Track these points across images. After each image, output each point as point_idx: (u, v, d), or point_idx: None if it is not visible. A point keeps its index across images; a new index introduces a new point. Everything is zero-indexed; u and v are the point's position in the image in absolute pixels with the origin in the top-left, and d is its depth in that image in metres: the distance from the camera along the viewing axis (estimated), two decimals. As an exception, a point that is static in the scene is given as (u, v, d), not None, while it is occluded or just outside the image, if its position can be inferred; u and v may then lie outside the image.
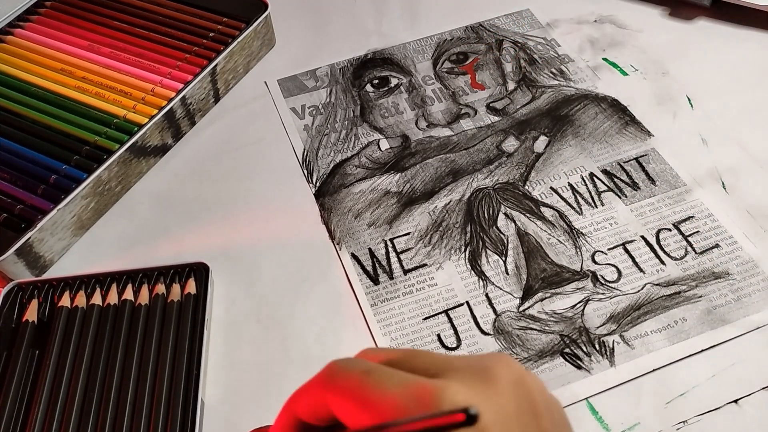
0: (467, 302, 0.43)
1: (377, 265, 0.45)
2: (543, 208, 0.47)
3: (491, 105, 0.53)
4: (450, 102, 0.54)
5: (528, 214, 0.46)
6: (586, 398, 0.38)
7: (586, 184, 0.48)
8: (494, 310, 0.42)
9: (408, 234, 0.46)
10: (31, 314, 0.41)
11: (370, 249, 0.45)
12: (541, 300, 0.42)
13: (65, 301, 0.42)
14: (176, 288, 0.42)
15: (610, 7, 0.60)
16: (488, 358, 0.23)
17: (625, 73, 0.54)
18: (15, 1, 0.59)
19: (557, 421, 0.23)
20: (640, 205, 0.46)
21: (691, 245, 0.44)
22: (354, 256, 0.45)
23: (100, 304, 0.42)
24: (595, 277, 0.43)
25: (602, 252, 0.44)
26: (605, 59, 0.56)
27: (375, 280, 0.44)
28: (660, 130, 0.50)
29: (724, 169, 0.48)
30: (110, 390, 0.38)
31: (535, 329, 0.41)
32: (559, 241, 0.45)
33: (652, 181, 0.48)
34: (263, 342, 0.42)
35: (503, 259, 0.44)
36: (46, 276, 0.45)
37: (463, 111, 0.53)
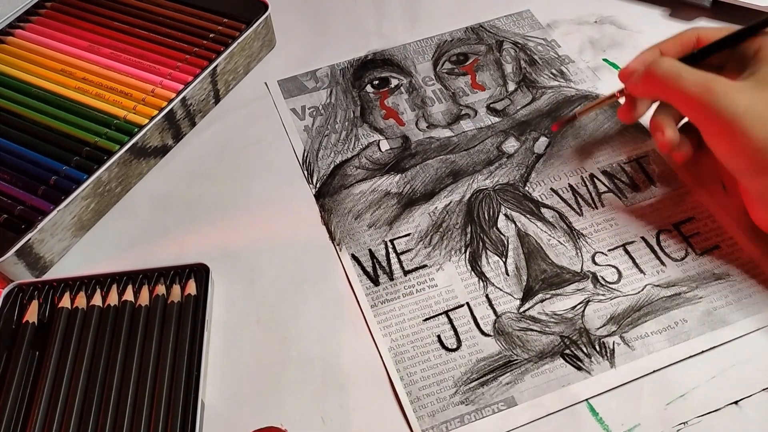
0: (467, 303, 0.43)
1: (377, 266, 0.45)
2: (543, 209, 0.47)
3: (491, 106, 0.53)
4: (450, 103, 0.54)
5: (528, 215, 0.46)
6: (587, 399, 0.38)
7: (586, 185, 0.48)
8: (494, 311, 0.42)
9: (408, 235, 0.46)
10: (32, 315, 0.41)
11: (370, 250, 0.45)
12: (542, 301, 0.42)
13: (65, 302, 0.42)
14: (176, 289, 0.42)
15: (611, 8, 0.60)
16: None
17: (625, 74, 0.54)
18: (15, 1, 0.59)
19: None
20: (641, 206, 0.46)
21: (691, 246, 0.44)
22: (354, 257, 0.45)
23: (101, 305, 0.42)
24: (595, 278, 0.43)
25: (602, 253, 0.44)
26: (605, 60, 0.56)
27: (375, 281, 0.44)
28: (660, 131, 0.50)
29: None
30: (110, 391, 0.38)
31: (536, 330, 0.41)
32: (559, 242, 0.45)
33: (652, 182, 0.48)
34: (263, 342, 0.42)
35: (503, 260, 0.44)
36: (46, 277, 0.45)
37: (463, 112, 0.53)
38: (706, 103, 0.39)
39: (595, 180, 0.48)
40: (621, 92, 0.46)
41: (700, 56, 0.44)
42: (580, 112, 0.49)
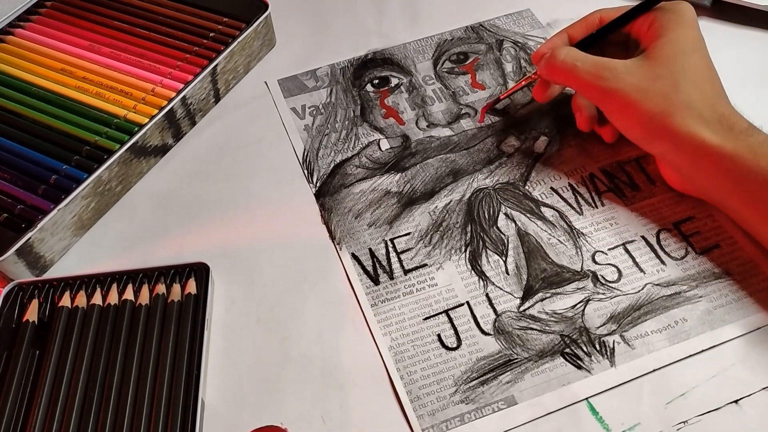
0: (467, 302, 0.43)
1: (377, 265, 0.45)
2: (543, 208, 0.47)
3: (492, 105, 0.53)
4: (450, 102, 0.54)
5: (528, 214, 0.46)
6: (587, 398, 0.38)
7: (586, 184, 0.48)
8: (494, 310, 0.42)
9: (408, 234, 0.46)
10: (32, 314, 0.41)
11: (370, 249, 0.45)
12: (542, 300, 0.42)
13: (66, 301, 0.42)
14: (176, 288, 0.42)
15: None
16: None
17: (625, 73, 0.54)
18: (15, 1, 0.59)
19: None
20: (641, 205, 0.46)
21: (691, 245, 0.44)
22: (354, 256, 0.45)
23: (101, 304, 0.42)
24: (595, 277, 0.43)
25: (603, 252, 0.44)
26: (605, 59, 0.56)
27: (375, 280, 0.44)
28: (660, 130, 0.50)
29: (724, 169, 0.47)
30: (110, 390, 0.38)
31: (536, 329, 0.41)
32: (559, 241, 0.45)
33: (652, 182, 0.48)
34: (263, 342, 0.42)
35: (503, 259, 0.44)
36: (46, 276, 0.45)
37: (463, 111, 0.53)
38: (598, 88, 0.44)
39: (595, 179, 0.48)
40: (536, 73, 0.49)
41: (598, 36, 0.47)
42: (504, 94, 0.52)
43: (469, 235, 0.46)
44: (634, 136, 0.44)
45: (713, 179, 0.41)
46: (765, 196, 0.39)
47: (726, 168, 0.40)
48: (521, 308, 0.42)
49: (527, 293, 0.43)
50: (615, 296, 0.42)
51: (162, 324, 0.41)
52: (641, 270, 0.43)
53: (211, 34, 0.56)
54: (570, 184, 0.48)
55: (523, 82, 0.51)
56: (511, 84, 0.54)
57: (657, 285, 0.42)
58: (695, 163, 0.41)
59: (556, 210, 0.47)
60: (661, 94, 0.41)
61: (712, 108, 0.41)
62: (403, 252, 0.45)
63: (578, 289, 0.43)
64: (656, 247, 0.44)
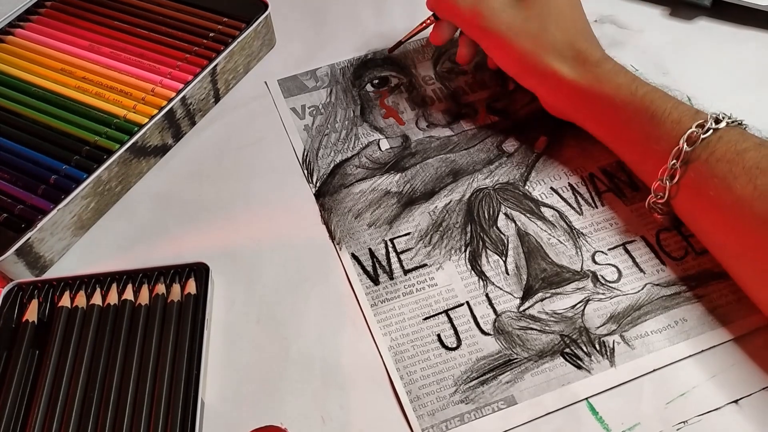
0: (467, 302, 0.43)
1: (377, 265, 0.45)
2: (543, 208, 0.47)
3: (492, 105, 0.53)
4: (450, 102, 0.54)
5: (528, 214, 0.46)
6: (587, 398, 0.38)
7: (586, 184, 0.48)
8: (494, 310, 0.42)
9: (408, 234, 0.46)
10: (31, 314, 0.41)
11: (370, 249, 0.45)
12: (542, 300, 0.42)
13: (65, 301, 0.42)
14: (176, 288, 0.42)
15: (611, 7, 0.60)
16: None
17: (625, 73, 0.54)
18: (15, 1, 0.59)
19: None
20: (641, 205, 0.46)
21: (691, 245, 0.44)
22: (354, 257, 0.45)
23: (100, 304, 0.42)
24: (595, 277, 0.43)
25: (602, 252, 0.44)
26: (605, 59, 0.56)
27: (375, 280, 0.44)
28: (660, 130, 0.50)
29: (724, 169, 0.47)
30: (110, 390, 0.38)
31: (536, 329, 0.41)
32: (559, 241, 0.45)
33: (653, 181, 0.48)
34: (263, 342, 0.42)
35: (503, 259, 0.44)
36: (46, 276, 0.45)
37: (463, 111, 0.53)
38: (476, 25, 0.48)
39: (595, 179, 0.48)
40: (431, 18, 0.53)
41: None
42: (405, 38, 0.55)
43: (469, 235, 0.46)
44: (510, 71, 0.49)
45: (571, 106, 0.47)
46: (608, 114, 0.44)
47: (578, 96, 0.45)
48: (521, 308, 0.42)
49: (527, 293, 0.43)
50: (615, 296, 0.42)
51: (162, 324, 0.41)
52: (641, 270, 0.43)
53: (211, 34, 0.56)
54: (570, 184, 0.48)
55: (422, 25, 0.54)
56: (511, 84, 0.54)
57: (657, 285, 0.42)
58: (556, 94, 0.47)
59: (556, 210, 0.47)
60: (531, 35, 0.46)
61: (570, 46, 0.45)
62: (402, 252, 0.45)
63: (578, 289, 0.43)
64: (656, 247, 0.44)
